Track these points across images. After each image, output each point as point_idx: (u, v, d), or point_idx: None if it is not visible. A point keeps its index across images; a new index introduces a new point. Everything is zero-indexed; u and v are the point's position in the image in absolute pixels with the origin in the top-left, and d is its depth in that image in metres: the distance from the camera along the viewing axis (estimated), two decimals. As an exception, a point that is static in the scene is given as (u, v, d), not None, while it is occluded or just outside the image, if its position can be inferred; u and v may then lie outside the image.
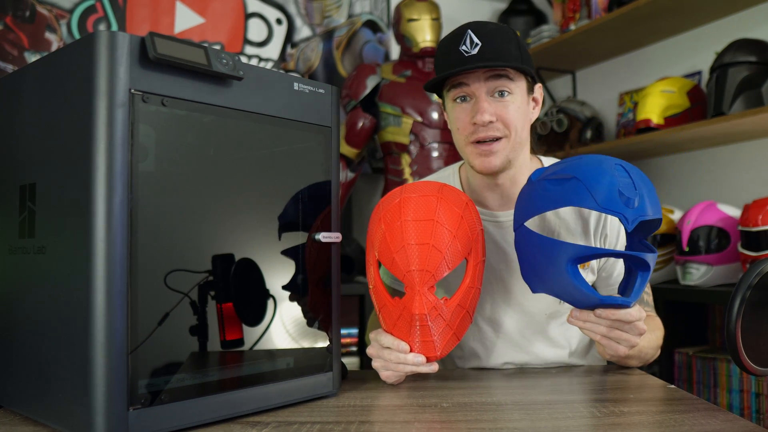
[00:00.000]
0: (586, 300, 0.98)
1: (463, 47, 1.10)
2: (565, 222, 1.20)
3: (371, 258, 1.04)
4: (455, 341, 1.02)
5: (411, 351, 1.00)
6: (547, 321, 1.23)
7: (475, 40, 1.10)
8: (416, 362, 1.00)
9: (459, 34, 1.13)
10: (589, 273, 1.23)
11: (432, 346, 0.99)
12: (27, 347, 0.83)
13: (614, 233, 1.21)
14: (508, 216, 1.22)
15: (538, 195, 1.00)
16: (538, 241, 1.00)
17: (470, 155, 1.17)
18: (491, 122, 1.12)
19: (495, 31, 1.12)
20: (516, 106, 1.14)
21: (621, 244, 1.21)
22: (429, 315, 0.97)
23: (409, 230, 0.98)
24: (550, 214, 1.20)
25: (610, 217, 1.19)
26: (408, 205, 1.00)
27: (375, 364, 1.05)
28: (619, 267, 1.22)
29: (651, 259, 1.00)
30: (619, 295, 1.02)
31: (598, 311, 0.99)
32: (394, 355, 1.00)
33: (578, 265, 0.98)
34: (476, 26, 1.12)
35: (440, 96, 1.24)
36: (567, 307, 1.21)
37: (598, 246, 1.21)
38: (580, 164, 0.99)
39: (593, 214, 1.20)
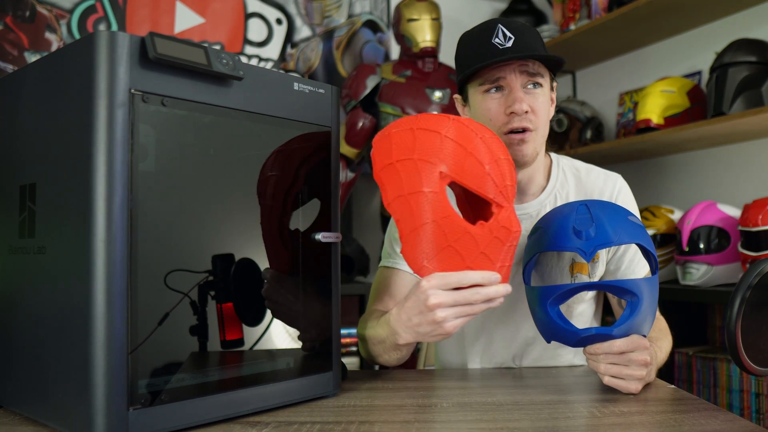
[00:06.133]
0: (568, 336, 0.97)
1: (497, 40, 1.13)
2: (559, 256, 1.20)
3: (432, 179, 0.87)
4: None
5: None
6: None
7: (508, 33, 1.13)
8: (507, 292, 0.89)
9: (489, 28, 1.15)
10: (599, 265, 1.22)
11: (509, 272, 0.92)
12: (27, 347, 0.83)
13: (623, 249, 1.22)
14: (520, 210, 1.23)
15: (522, 247, 1.10)
16: (524, 292, 1.07)
17: None
18: (526, 112, 1.14)
19: (523, 27, 1.16)
20: (545, 99, 1.18)
21: (628, 260, 1.22)
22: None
23: (494, 145, 0.92)
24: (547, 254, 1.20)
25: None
26: (476, 125, 0.93)
27: (441, 314, 0.88)
28: (626, 261, 1.22)
29: (636, 286, 0.95)
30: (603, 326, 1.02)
31: (587, 348, 0.96)
32: (484, 291, 0.87)
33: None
34: (506, 22, 1.15)
35: (460, 91, 1.24)
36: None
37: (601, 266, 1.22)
38: (547, 214, 1.08)
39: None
